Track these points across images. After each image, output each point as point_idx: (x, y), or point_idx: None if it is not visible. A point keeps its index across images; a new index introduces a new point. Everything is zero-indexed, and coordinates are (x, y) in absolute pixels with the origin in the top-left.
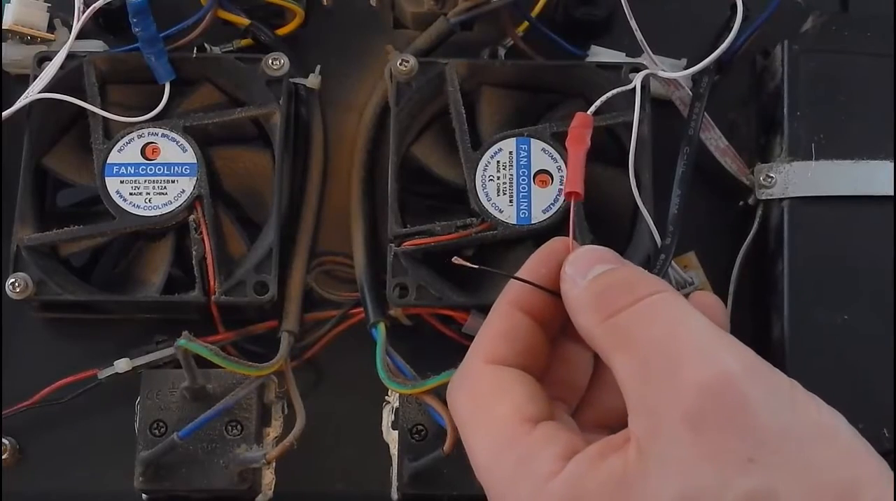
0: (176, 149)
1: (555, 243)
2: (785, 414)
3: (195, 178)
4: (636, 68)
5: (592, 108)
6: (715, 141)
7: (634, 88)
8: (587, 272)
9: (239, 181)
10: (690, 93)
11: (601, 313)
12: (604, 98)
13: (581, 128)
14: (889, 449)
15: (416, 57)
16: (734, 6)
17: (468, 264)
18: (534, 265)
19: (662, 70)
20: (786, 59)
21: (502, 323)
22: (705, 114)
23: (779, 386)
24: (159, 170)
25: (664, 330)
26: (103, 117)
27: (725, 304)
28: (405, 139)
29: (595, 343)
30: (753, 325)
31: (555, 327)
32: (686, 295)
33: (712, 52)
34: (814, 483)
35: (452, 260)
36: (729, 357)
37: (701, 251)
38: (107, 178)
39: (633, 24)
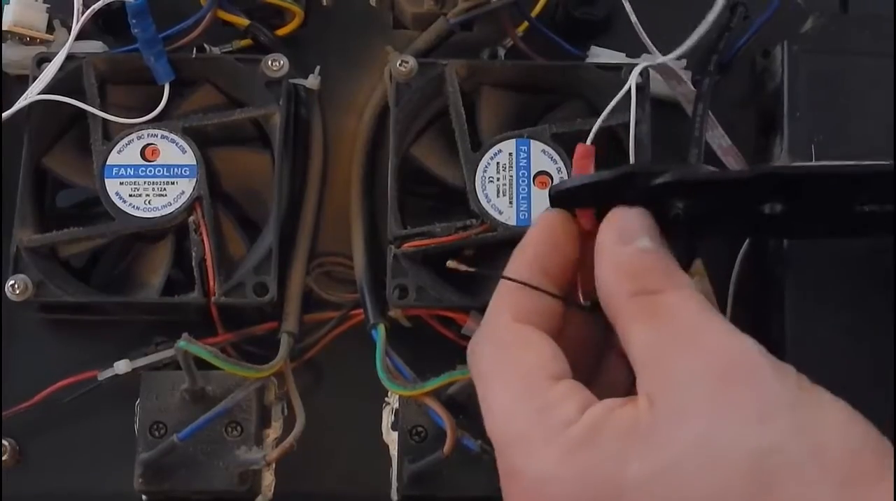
0: (175, 151)
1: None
2: (793, 389)
3: (195, 180)
4: (641, 64)
5: (597, 123)
6: (718, 139)
7: (630, 83)
8: (634, 239)
9: (238, 182)
10: (693, 88)
11: (636, 285)
12: (612, 103)
13: (582, 159)
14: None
15: (416, 57)
16: (734, 7)
17: (463, 268)
18: (547, 225)
19: (657, 63)
20: (786, 60)
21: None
22: (709, 113)
23: (789, 370)
24: (159, 171)
25: (690, 314)
26: (103, 118)
27: (725, 304)
28: (405, 140)
29: (616, 309)
30: (753, 325)
31: (570, 286)
32: None
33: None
34: (821, 446)
35: (447, 264)
36: (748, 339)
37: (701, 251)
38: (106, 180)
39: (632, 17)
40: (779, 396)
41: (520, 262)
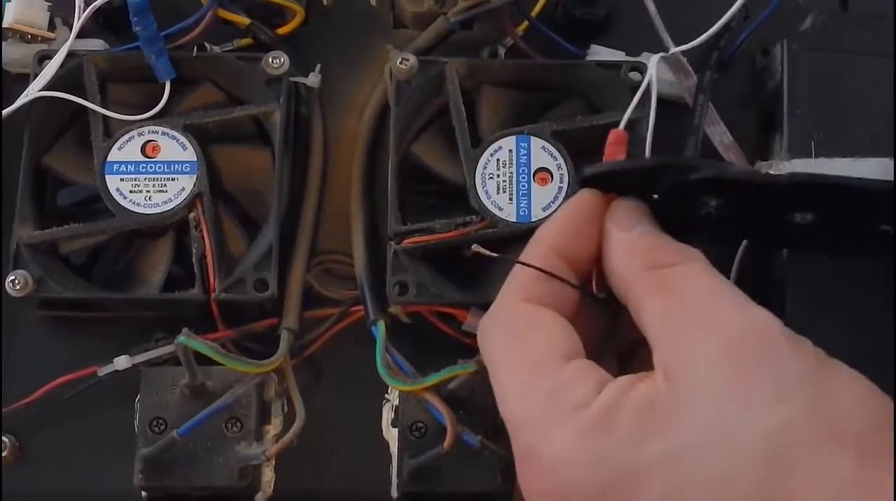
0: (176, 148)
1: (587, 195)
2: (810, 365)
3: (195, 176)
4: (636, 67)
5: (627, 114)
6: (720, 136)
7: (642, 79)
8: (634, 226)
9: (239, 179)
10: None
11: (647, 261)
12: (634, 101)
13: (614, 144)
14: None
15: (416, 56)
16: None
17: (486, 252)
18: (571, 212)
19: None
20: (785, 58)
21: (540, 265)
22: (712, 106)
23: (806, 345)
24: (159, 168)
25: (704, 287)
26: (103, 115)
27: None
28: (405, 137)
29: (628, 286)
30: None
31: (588, 275)
32: None
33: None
34: (837, 423)
35: (472, 248)
36: (764, 312)
37: (701, 250)
38: (107, 176)
39: (650, 7)
40: (795, 373)
41: (537, 247)
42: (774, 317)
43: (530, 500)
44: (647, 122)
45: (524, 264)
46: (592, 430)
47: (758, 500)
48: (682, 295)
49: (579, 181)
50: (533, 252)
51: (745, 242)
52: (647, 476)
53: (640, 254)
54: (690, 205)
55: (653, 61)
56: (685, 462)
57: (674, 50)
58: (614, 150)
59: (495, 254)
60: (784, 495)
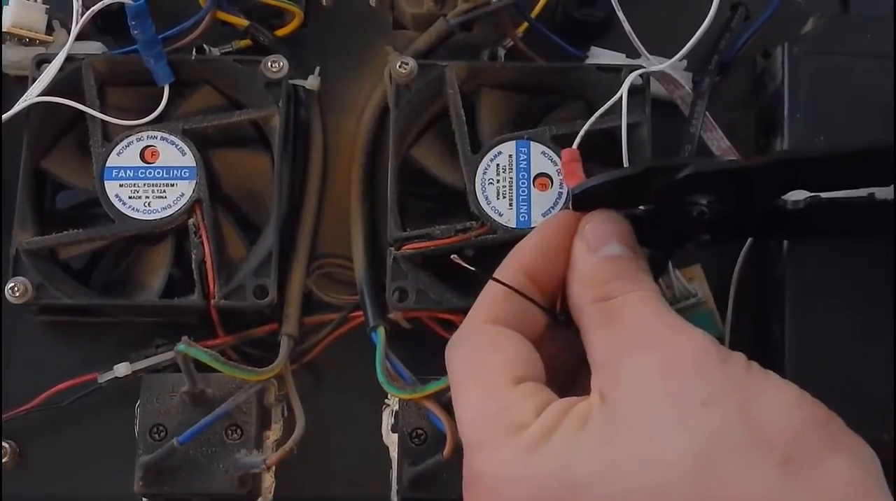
0: (175, 153)
1: (564, 216)
2: (739, 375)
3: (194, 181)
4: (636, 70)
5: (584, 128)
6: (717, 141)
7: (622, 91)
8: (601, 246)
9: (238, 184)
10: (692, 92)
11: (597, 293)
12: (605, 107)
13: (569, 163)
14: (889, 450)
15: (416, 58)
16: (734, 7)
17: (463, 264)
18: (544, 234)
19: (654, 66)
20: (786, 61)
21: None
22: (707, 114)
23: (737, 357)
24: (158, 173)
25: (644, 314)
26: (102, 120)
27: (726, 305)
28: (405, 141)
29: (581, 315)
30: (753, 327)
31: (555, 298)
32: (685, 309)
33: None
34: (762, 427)
35: (451, 257)
36: (699, 332)
37: (701, 254)
38: (106, 182)
39: (626, 26)
40: (723, 382)
41: (507, 266)
42: (708, 336)
43: None
44: (644, 128)
45: (494, 280)
46: (532, 448)
47: None
48: (622, 323)
49: (571, 199)
50: (503, 271)
51: (745, 243)
52: (582, 494)
53: (591, 285)
54: (682, 207)
55: (628, 80)
56: (619, 477)
57: (655, 68)
58: (572, 169)
59: (472, 268)
60: (714, 497)
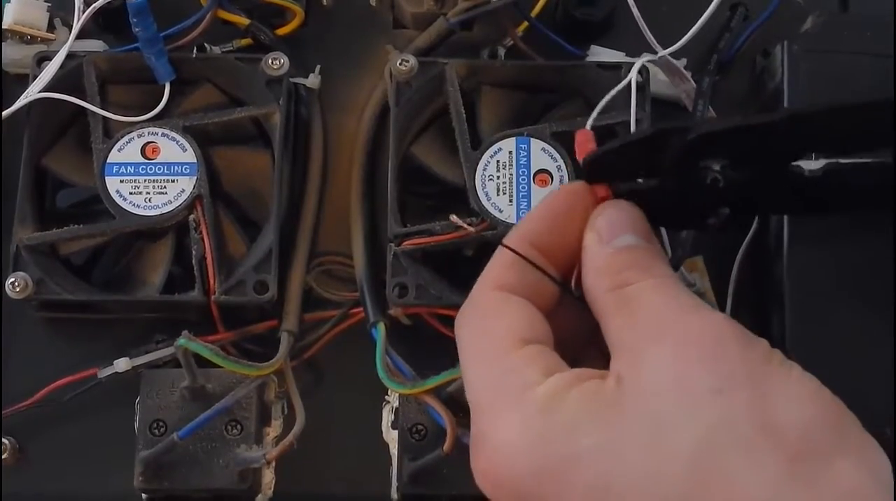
0: (176, 149)
1: (572, 186)
2: (757, 363)
3: (195, 178)
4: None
5: (594, 114)
6: None
7: (631, 76)
8: (614, 238)
9: (239, 181)
10: (695, 85)
11: (612, 282)
12: (609, 96)
13: (584, 143)
14: (889, 446)
15: (416, 57)
16: (734, 6)
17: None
18: (550, 204)
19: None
20: (786, 60)
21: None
22: (711, 109)
23: (758, 344)
24: (159, 169)
25: (662, 300)
26: (103, 117)
27: (725, 304)
28: (405, 139)
29: (597, 303)
30: (753, 325)
31: (566, 271)
32: None
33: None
34: (773, 420)
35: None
36: (719, 315)
37: (702, 249)
38: (106, 178)
39: (638, 19)
40: (737, 369)
41: (513, 235)
42: (730, 320)
43: (476, 478)
44: (644, 124)
45: (503, 246)
46: (537, 414)
47: (683, 496)
48: (639, 310)
49: (582, 167)
50: (509, 240)
51: (745, 240)
52: (578, 466)
53: (606, 274)
54: (696, 174)
55: (635, 68)
56: (617, 455)
57: (662, 53)
58: (585, 149)
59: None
60: (709, 491)
